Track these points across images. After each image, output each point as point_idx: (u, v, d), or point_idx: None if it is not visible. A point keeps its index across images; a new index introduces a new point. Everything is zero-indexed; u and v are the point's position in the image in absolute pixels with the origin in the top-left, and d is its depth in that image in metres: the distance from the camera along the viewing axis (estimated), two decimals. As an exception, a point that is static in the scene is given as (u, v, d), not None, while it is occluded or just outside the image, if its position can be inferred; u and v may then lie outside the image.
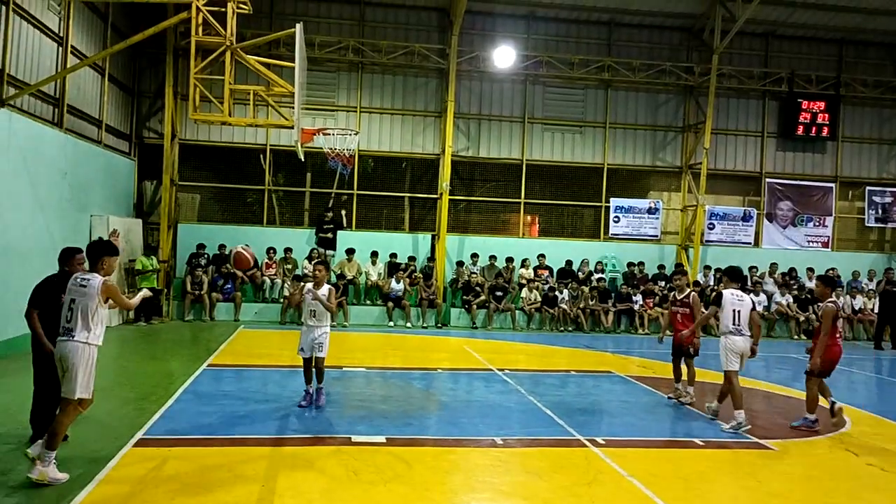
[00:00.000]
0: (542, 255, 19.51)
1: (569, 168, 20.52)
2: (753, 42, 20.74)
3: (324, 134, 13.17)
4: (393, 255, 18.86)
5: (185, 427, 7.47)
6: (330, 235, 18.77)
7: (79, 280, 6.04)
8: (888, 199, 21.26)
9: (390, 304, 17.62)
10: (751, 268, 19.48)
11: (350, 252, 18.43)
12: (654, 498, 5.97)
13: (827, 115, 20.52)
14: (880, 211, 21.27)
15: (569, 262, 19.63)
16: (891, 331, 17.65)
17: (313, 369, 8.76)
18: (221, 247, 17.74)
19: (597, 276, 19.17)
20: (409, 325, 17.58)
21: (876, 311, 18.58)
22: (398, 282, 17.84)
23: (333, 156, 12.75)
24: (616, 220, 20.48)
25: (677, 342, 9.92)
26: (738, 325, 8.68)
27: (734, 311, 8.71)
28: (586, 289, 18.66)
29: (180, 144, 18.59)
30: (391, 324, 17.39)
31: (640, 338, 17.62)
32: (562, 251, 19.87)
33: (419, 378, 11.15)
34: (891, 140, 21.48)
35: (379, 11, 19.54)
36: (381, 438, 7.34)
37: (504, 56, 19.13)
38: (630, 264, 19.84)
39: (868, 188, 21.26)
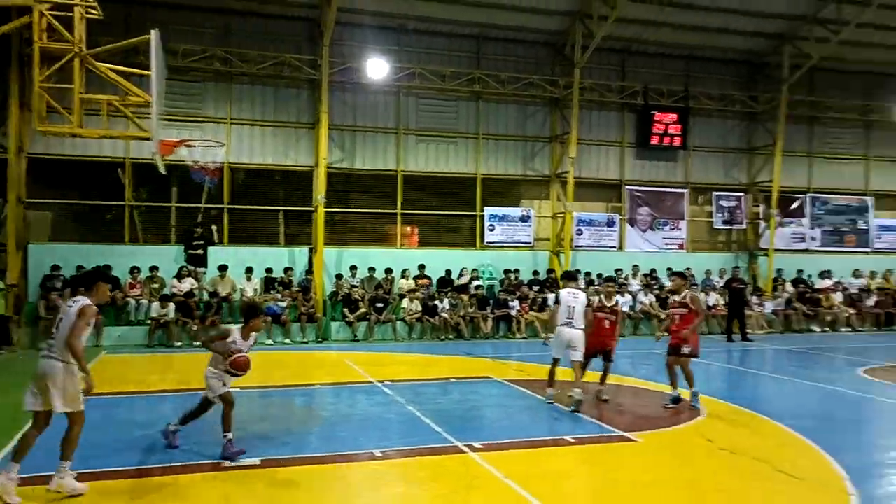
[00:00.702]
0: (423, 266, 19.69)
1: (444, 178, 20.85)
2: (611, 58, 21.95)
3: (186, 146, 12.70)
4: (269, 271, 18.43)
5: (39, 463, 6.93)
6: (200, 252, 18.07)
7: None
8: (733, 203, 23.09)
9: (268, 319, 17.18)
10: (616, 270, 20.54)
11: (223, 269, 17.83)
12: (530, 498, 6.17)
13: (678, 126, 22.03)
14: (727, 214, 23.06)
15: (448, 272, 19.93)
16: (739, 324, 19.10)
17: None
18: (79, 268, 16.62)
19: (475, 283, 19.56)
20: (288, 340, 17.22)
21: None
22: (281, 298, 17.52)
23: (197, 168, 12.31)
24: (491, 228, 21.01)
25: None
26: (570, 319, 9.93)
27: (568, 306, 9.97)
28: (465, 297, 19.00)
29: (28, 159, 17.31)
30: (270, 341, 16.95)
31: (518, 342, 18.14)
32: (441, 260, 20.14)
33: (298, 395, 10.95)
34: (734, 149, 23.34)
35: (247, 21, 19.09)
36: (256, 460, 7.14)
37: (377, 68, 19.21)
38: (506, 271, 20.40)
39: (715, 193, 22.99)
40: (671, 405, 9.97)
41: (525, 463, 7.30)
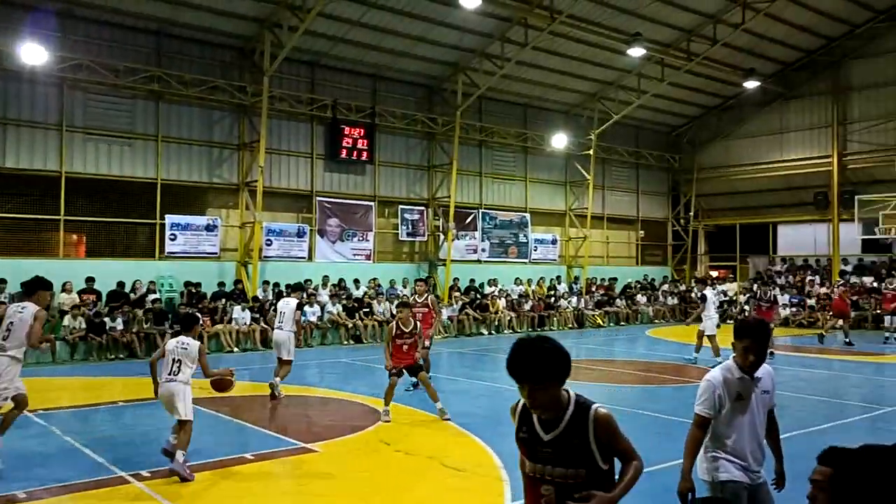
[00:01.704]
0: (92, 278, 17.72)
1: (118, 182, 19.05)
2: (301, 69, 22.09)
3: None
4: None
5: None
6: None
7: None
8: (416, 216, 24.69)
9: None
10: (306, 280, 20.64)
11: None
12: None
13: (366, 141, 22.92)
14: (411, 227, 24.59)
15: (121, 284, 18.21)
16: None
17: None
18: None
19: (151, 297, 18.13)
20: None
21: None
22: None
23: None
24: (173, 237, 19.69)
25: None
26: (281, 323, 11.57)
27: (280, 312, 11.71)
28: (140, 311, 17.52)
29: None
30: None
31: (201, 358, 17.19)
32: (112, 272, 18.32)
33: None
34: (417, 165, 25.00)
35: None
36: None
37: (32, 53, 16.81)
38: (188, 283, 19.26)
39: (400, 206, 24.39)
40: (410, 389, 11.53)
41: (198, 486, 6.90)
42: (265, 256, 21.00)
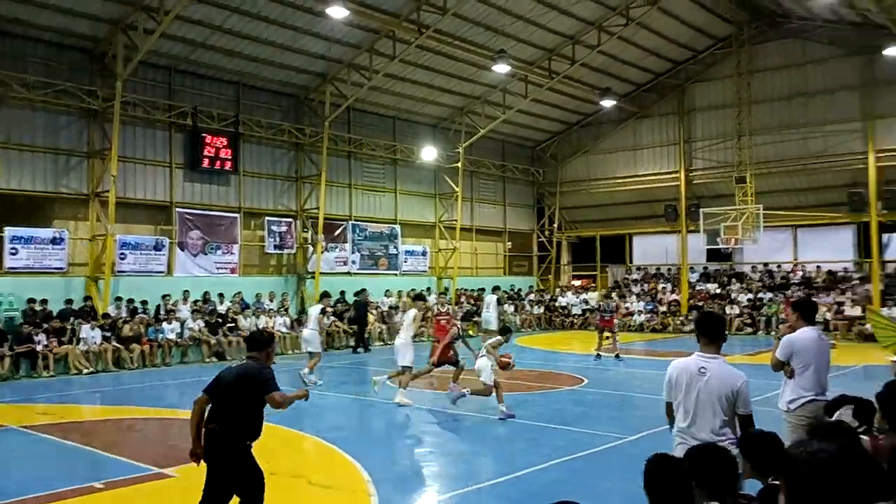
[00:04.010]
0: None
1: (-54, 191, 17.30)
2: (158, 74, 21.02)
3: None
4: None
5: None
6: None
7: None
8: (284, 228, 24.11)
9: None
10: (164, 296, 19.57)
11: None
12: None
13: (229, 151, 22.10)
14: (278, 239, 23.96)
15: (-51, 304, 16.50)
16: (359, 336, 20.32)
17: None
18: None
19: (-12, 316, 16.55)
20: None
21: (279, 328, 20.81)
22: None
23: None
24: (14, 251, 18.08)
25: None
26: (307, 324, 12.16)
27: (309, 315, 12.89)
28: (-27, 333, 15.92)
29: None
30: None
31: (46, 381, 15.85)
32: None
33: None
34: (284, 176, 24.42)
35: None
36: None
37: None
38: (31, 300, 17.72)
39: (267, 218, 23.71)
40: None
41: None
42: (119, 271, 19.71)
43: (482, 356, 11.23)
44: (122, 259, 19.83)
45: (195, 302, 20.45)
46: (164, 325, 18.69)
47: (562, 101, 29.58)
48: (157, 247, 20.68)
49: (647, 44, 26.91)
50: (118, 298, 19.11)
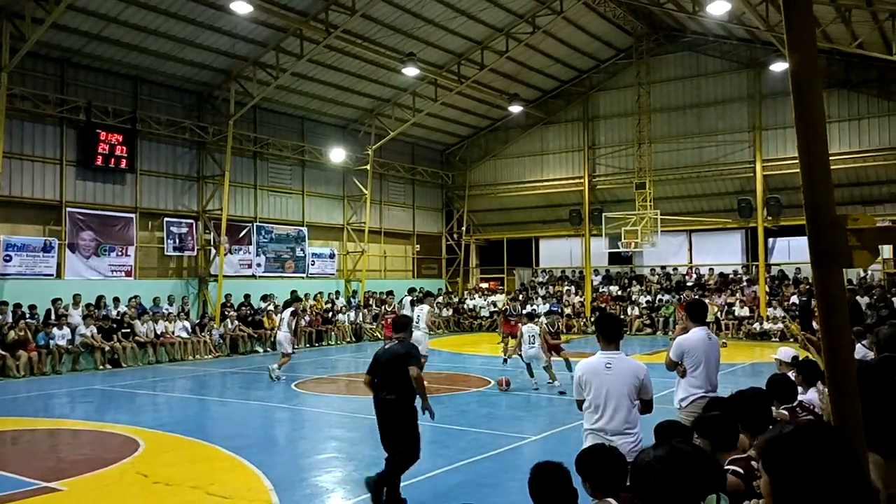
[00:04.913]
0: None
1: None
2: (49, 66, 19.83)
3: None
4: None
5: None
6: None
7: None
8: (184, 230, 23.22)
9: None
10: (54, 300, 18.49)
11: None
12: None
13: (125, 148, 21.08)
14: (178, 240, 23.05)
15: None
16: None
17: None
18: None
19: None
20: None
21: (179, 333, 20.03)
22: None
23: None
24: None
25: None
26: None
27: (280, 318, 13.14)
28: None
29: None
30: None
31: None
32: None
33: None
34: (185, 176, 23.53)
35: None
36: None
37: None
38: None
39: (166, 219, 22.77)
40: None
41: None
42: (4, 274, 18.47)
43: None
44: (6, 261, 18.60)
45: (87, 306, 19.38)
46: (55, 330, 17.64)
47: (471, 105, 29.90)
48: (46, 248, 19.51)
49: (553, 52, 27.57)
50: (3, 303, 17.87)
